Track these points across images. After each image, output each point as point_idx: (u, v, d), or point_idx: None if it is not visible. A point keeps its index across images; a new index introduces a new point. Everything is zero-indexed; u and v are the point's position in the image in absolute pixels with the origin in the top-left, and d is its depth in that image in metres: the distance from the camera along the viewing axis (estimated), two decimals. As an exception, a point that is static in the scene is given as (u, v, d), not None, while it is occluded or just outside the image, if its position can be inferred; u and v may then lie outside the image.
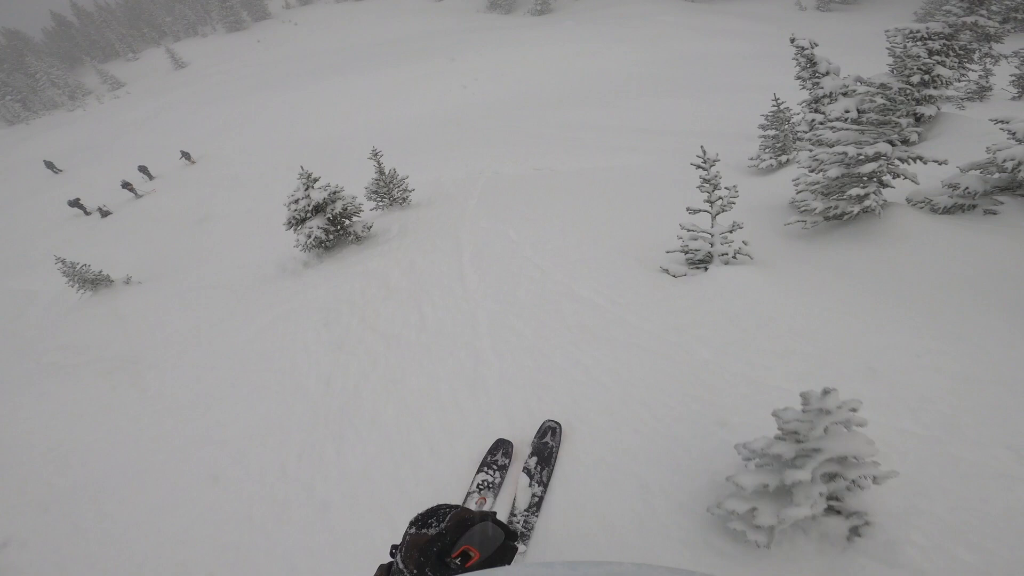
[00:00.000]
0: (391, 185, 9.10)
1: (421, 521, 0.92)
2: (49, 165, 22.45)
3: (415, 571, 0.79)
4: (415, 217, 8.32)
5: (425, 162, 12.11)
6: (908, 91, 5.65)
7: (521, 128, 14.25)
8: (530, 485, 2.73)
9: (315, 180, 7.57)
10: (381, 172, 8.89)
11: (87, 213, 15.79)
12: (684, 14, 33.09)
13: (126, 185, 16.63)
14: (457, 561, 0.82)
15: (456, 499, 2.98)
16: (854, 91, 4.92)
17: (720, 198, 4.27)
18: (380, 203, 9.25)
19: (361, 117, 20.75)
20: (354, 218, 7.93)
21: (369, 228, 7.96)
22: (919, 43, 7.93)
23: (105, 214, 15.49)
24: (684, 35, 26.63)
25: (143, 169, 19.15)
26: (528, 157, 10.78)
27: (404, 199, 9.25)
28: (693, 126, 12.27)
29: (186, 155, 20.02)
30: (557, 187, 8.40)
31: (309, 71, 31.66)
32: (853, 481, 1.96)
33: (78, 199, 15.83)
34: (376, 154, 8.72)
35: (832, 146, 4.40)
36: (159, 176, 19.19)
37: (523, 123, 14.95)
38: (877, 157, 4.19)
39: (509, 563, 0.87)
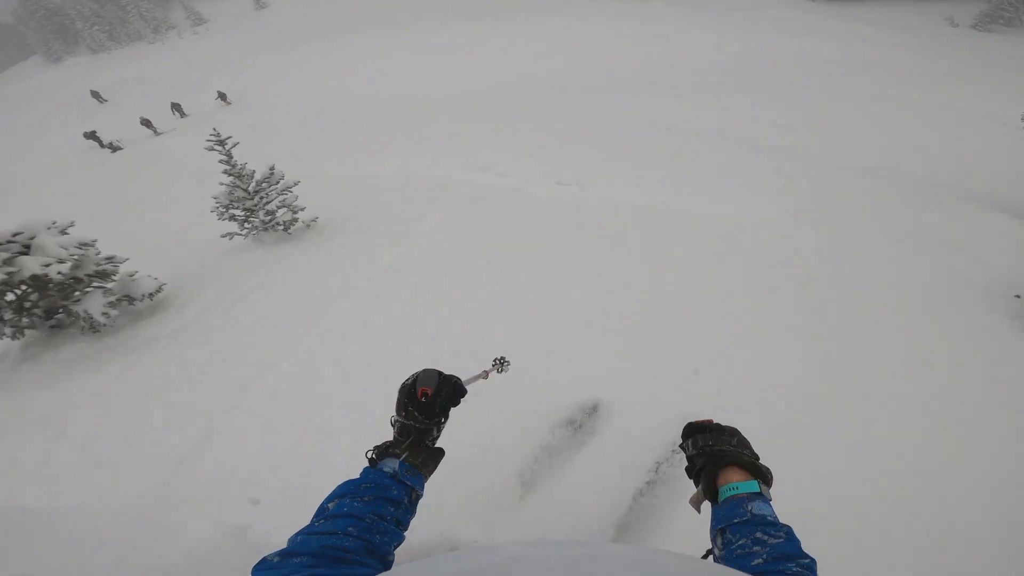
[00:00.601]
0: (258, 197, 5.87)
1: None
2: (95, 95, 22.22)
3: (403, 413, 0.98)
4: (263, 280, 5.32)
5: (421, 142, 9.94)
6: None
7: (560, 113, 11.43)
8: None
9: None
10: (239, 174, 5.66)
11: (102, 146, 14.85)
12: (799, 9, 28.41)
13: (145, 122, 15.61)
14: (422, 399, 0.97)
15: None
16: None
17: None
18: (245, 227, 6.06)
19: (400, 78, 18.88)
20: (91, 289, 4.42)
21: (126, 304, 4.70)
22: None
23: (115, 149, 14.48)
24: (791, 29, 22.41)
25: (176, 107, 18.30)
26: (554, 160, 8.03)
27: (288, 223, 6.10)
28: (817, 146, 8.73)
29: (222, 96, 19.00)
30: (590, 239, 5.39)
31: (376, 23, 30.09)
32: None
33: (94, 132, 14.95)
34: (221, 140, 5.51)
35: None
36: (191, 115, 18.31)
37: (564, 107, 12.12)
38: None
39: (457, 401, 1.03)
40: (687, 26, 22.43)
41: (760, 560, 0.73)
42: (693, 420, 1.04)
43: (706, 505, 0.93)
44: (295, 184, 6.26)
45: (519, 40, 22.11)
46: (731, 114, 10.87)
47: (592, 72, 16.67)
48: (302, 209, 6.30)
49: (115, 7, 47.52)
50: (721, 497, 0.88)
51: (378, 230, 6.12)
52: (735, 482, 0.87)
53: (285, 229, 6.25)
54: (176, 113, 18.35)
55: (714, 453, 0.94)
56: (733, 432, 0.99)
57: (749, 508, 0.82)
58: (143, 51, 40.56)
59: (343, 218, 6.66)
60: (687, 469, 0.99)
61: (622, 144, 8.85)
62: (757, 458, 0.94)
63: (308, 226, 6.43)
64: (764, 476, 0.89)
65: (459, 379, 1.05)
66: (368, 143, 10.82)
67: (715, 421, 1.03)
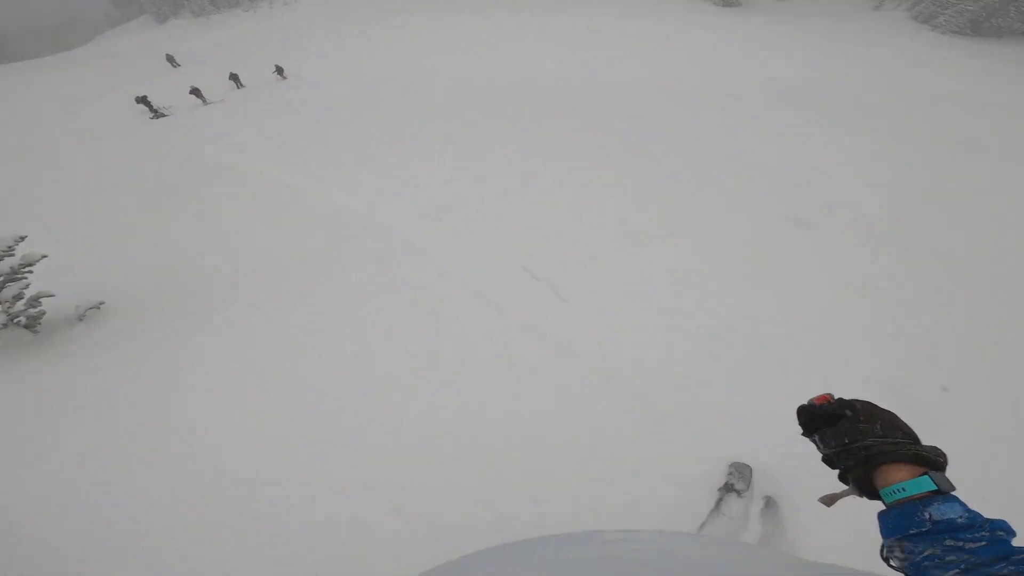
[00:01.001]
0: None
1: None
2: (170, 59, 22.95)
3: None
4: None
5: (411, 158, 8.75)
6: None
7: (605, 136, 9.89)
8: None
9: None
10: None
11: (151, 111, 14.95)
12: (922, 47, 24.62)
13: (194, 91, 15.63)
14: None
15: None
16: None
17: None
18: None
19: (457, 64, 17.86)
20: None
21: None
22: None
23: (159, 116, 14.51)
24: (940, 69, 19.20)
25: (234, 77, 18.41)
26: (571, 222, 6.38)
27: (33, 319, 4.06)
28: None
29: (279, 70, 18.91)
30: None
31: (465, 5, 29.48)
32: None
33: (145, 96, 15.07)
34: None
35: None
36: (247, 87, 18.37)
37: (611, 125, 10.59)
38: None
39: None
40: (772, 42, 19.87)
41: (957, 571, 0.62)
42: (806, 403, 0.87)
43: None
44: (34, 262, 4.19)
45: (553, 33, 20.52)
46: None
47: (672, 85, 14.74)
48: (48, 296, 4.23)
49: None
50: (887, 500, 0.75)
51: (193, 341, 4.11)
52: (900, 482, 0.73)
53: (29, 328, 4.12)
54: (234, 83, 18.47)
55: (862, 455, 0.77)
56: (870, 413, 0.80)
57: (927, 515, 0.69)
58: (235, 19, 42.37)
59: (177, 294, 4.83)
60: (825, 460, 0.85)
61: (689, 195, 7.21)
62: (916, 439, 0.79)
63: (81, 318, 4.25)
64: (935, 463, 0.75)
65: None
66: (359, 154, 9.81)
67: (835, 397, 0.86)
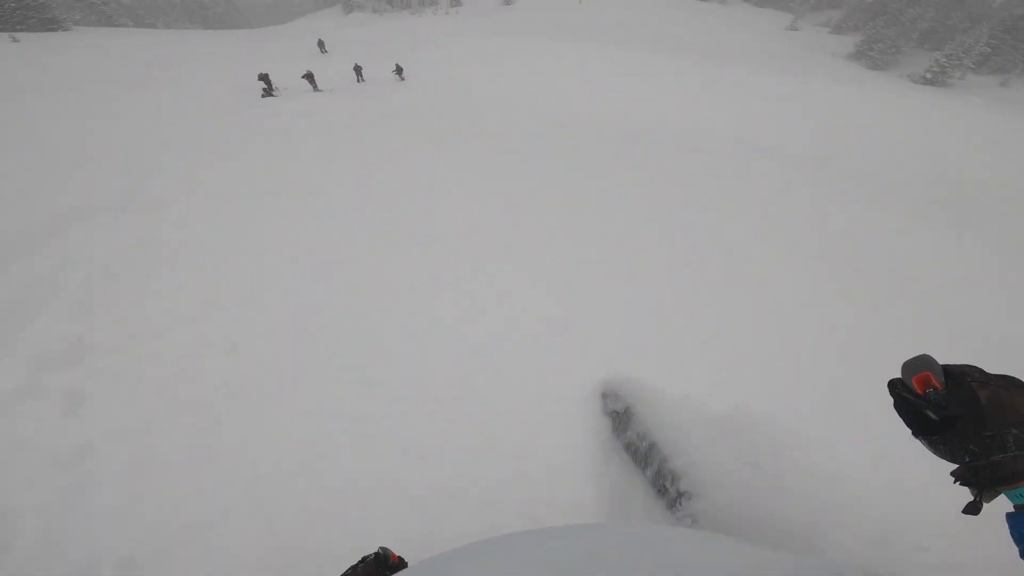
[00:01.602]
0: None
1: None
2: (320, 44, 24.24)
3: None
4: None
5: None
6: None
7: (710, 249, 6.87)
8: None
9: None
10: None
11: (266, 88, 15.17)
12: None
13: (307, 76, 15.67)
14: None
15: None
16: None
17: None
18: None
19: (557, 100, 15.83)
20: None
21: None
22: None
23: (268, 95, 14.64)
24: None
25: (357, 69, 18.49)
26: None
27: None
28: None
29: (398, 70, 18.67)
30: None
31: (607, 37, 27.85)
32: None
33: (267, 75, 15.32)
34: None
35: None
36: (367, 80, 18.38)
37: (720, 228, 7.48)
38: None
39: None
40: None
41: None
42: (900, 386, 0.67)
43: None
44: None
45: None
46: None
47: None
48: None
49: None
50: (1013, 502, 0.65)
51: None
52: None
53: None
54: (357, 76, 18.55)
55: (988, 474, 0.62)
56: (1000, 406, 0.61)
57: None
58: (400, 19, 45.49)
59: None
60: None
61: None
62: None
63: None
64: None
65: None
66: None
67: (938, 369, 0.65)
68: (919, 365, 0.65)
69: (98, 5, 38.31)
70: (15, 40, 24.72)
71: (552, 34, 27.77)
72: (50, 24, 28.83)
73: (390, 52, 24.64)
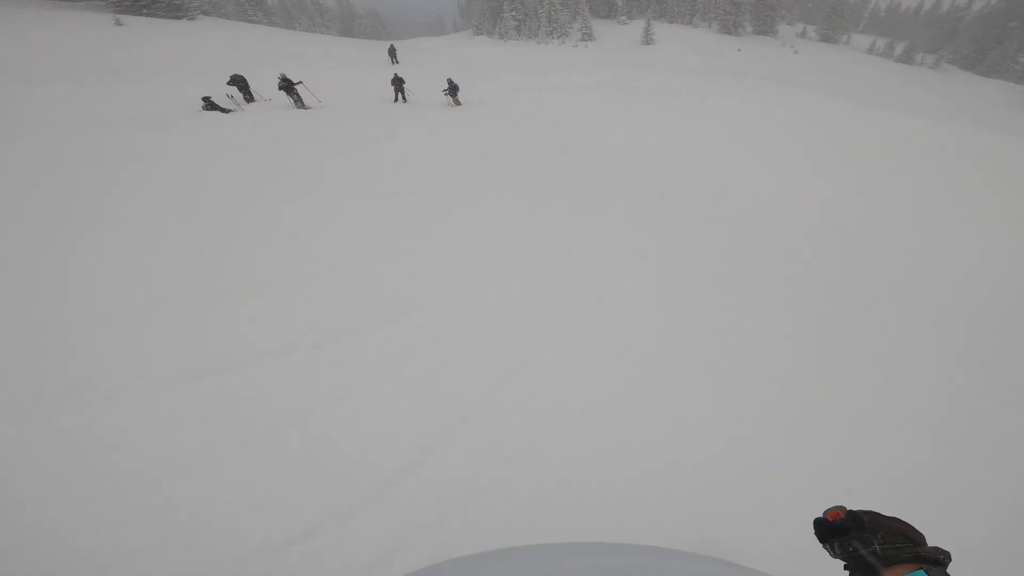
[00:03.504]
0: None
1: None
2: (391, 52, 21.06)
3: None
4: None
5: None
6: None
7: None
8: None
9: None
10: None
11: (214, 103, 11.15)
12: None
13: (285, 87, 11.41)
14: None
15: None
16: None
17: None
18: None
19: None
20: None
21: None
22: None
23: (211, 109, 10.49)
24: None
25: (397, 83, 14.13)
26: None
27: None
28: None
29: (452, 90, 13.99)
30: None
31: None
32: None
33: (241, 77, 11.66)
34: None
35: None
36: (410, 102, 13.88)
37: None
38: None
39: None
40: None
41: None
42: (821, 516, 1.01)
43: None
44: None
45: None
46: None
47: None
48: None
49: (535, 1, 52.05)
50: None
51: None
52: None
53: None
54: (396, 93, 14.13)
55: (866, 563, 0.91)
56: (876, 523, 0.94)
57: None
58: (520, 46, 42.16)
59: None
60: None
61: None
62: (920, 542, 0.91)
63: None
64: (935, 560, 0.86)
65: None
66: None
67: (846, 510, 0.99)
68: (834, 508, 0.99)
69: (243, 4, 40.70)
70: (119, 23, 24.84)
71: (713, 82, 21.22)
72: (176, 11, 29.39)
73: (482, 74, 20.42)
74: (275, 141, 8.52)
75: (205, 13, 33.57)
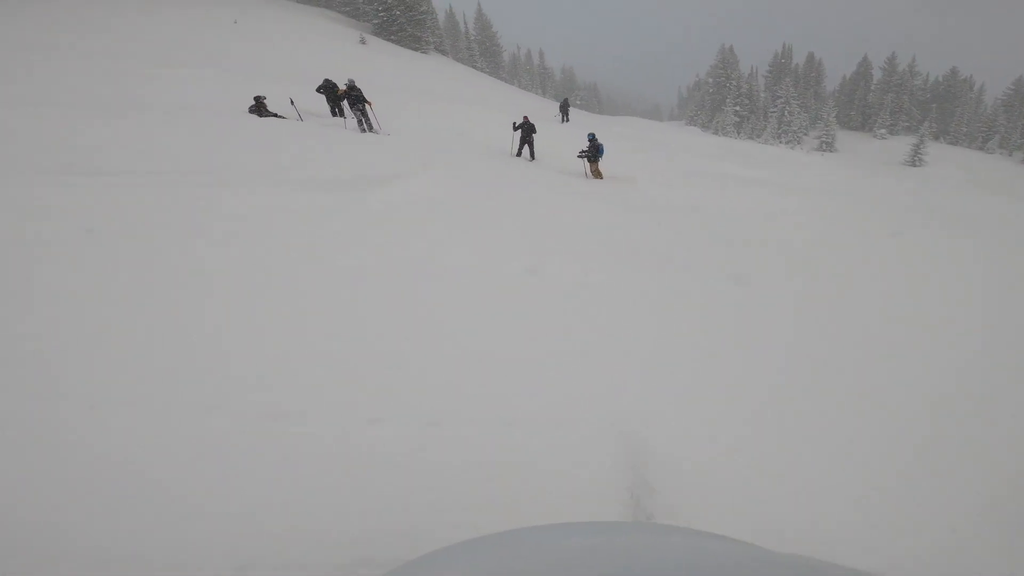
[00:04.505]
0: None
1: None
2: (563, 108, 18.01)
3: None
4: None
5: None
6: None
7: None
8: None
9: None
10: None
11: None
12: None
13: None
14: None
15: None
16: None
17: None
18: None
19: None
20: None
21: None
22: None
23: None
24: None
25: (526, 130, 10.39)
26: None
27: None
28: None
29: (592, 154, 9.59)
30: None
31: None
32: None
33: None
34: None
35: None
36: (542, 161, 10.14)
37: None
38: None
39: None
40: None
41: None
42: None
43: None
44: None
45: None
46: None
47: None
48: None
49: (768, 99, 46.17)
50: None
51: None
52: None
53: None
54: (523, 146, 10.52)
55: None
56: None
57: None
58: (734, 141, 36.45)
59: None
60: None
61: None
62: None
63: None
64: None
65: None
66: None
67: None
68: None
69: (475, 53, 44.54)
70: (363, 42, 27.71)
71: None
72: (415, 43, 32.51)
73: (658, 148, 15.97)
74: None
75: (439, 51, 37.10)
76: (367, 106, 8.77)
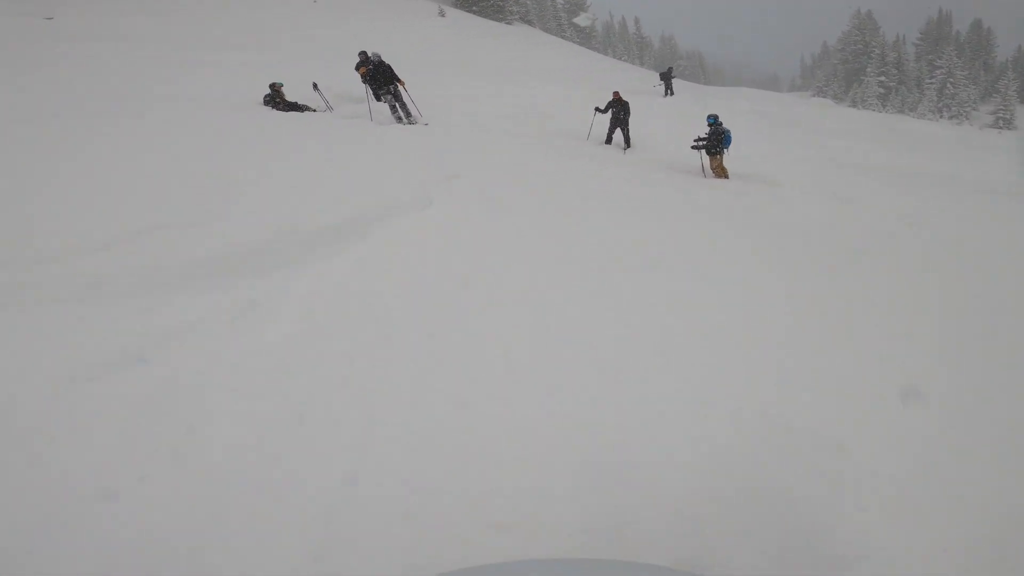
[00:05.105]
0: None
1: None
2: (665, 78, 14.73)
3: None
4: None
5: None
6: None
7: None
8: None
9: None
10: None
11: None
12: None
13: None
14: None
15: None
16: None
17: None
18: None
19: None
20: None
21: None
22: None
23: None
24: None
25: (618, 108, 7.72)
26: None
27: None
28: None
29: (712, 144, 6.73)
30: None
31: None
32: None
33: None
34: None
35: None
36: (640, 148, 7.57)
37: None
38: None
39: None
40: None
41: None
42: None
43: None
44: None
45: None
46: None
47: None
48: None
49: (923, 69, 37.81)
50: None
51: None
52: None
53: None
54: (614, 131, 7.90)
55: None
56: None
57: None
58: (882, 117, 29.74)
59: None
60: None
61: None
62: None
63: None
64: None
65: None
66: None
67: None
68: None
69: (563, 23, 40.87)
70: (442, 15, 25.88)
71: None
72: (498, 13, 30.30)
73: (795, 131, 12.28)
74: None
75: (525, 21, 34.32)
76: (399, 87, 6.80)
